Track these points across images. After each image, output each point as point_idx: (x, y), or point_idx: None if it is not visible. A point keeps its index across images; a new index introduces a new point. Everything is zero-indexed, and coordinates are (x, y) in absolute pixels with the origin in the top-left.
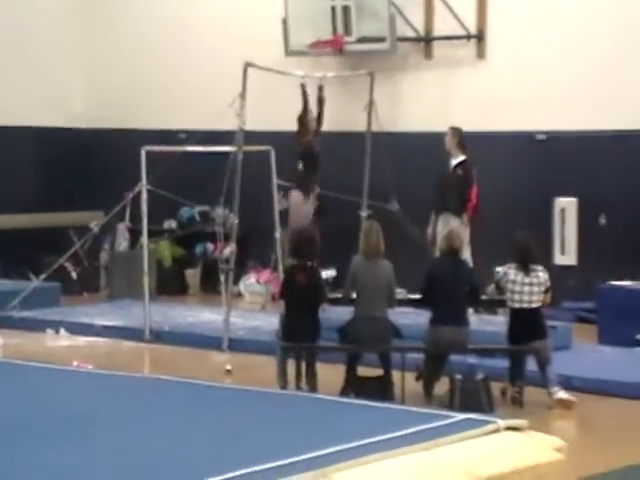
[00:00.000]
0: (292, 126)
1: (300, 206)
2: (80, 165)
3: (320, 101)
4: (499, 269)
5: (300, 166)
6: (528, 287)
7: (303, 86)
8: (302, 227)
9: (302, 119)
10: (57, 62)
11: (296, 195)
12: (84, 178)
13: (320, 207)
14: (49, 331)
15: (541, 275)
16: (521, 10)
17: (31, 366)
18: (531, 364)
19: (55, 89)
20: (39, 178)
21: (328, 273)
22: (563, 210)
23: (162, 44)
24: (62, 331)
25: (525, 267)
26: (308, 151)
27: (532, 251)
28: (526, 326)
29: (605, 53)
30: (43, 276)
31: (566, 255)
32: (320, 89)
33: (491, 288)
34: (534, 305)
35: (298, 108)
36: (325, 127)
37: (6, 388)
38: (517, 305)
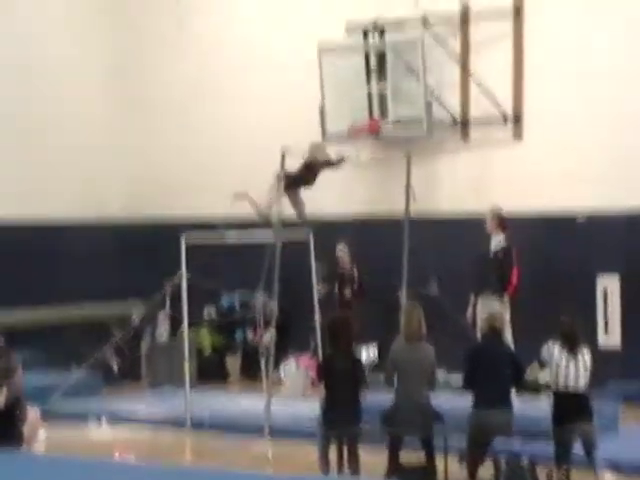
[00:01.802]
0: (330, 211)
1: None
2: (120, 255)
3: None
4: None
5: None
6: (574, 367)
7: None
8: (338, 314)
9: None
10: (94, 154)
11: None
12: (124, 268)
13: (360, 291)
14: (91, 422)
15: (587, 356)
16: (557, 91)
17: (74, 459)
18: (577, 446)
19: (93, 182)
20: (78, 270)
21: (370, 351)
22: (606, 289)
23: (200, 131)
24: (104, 421)
25: (571, 347)
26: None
27: (577, 333)
28: (572, 409)
29: None
30: (85, 368)
31: (610, 335)
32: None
33: (534, 365)
34: (580, 388)
35: (336, 193)
36: (363, 210)
37: None
38: (562, 387)
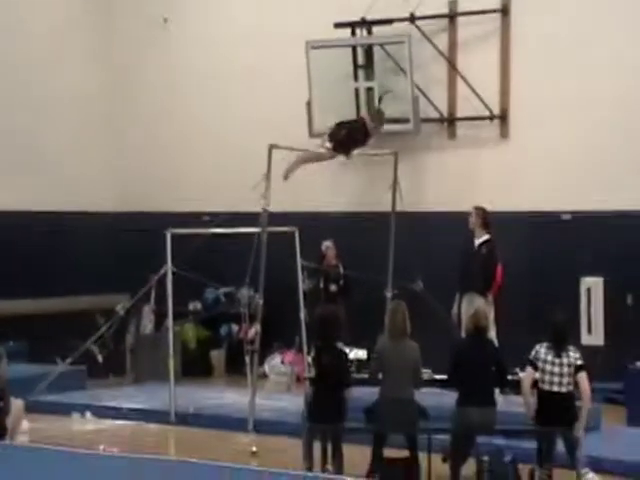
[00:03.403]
0: (316, 207)
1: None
2: (105, 249)
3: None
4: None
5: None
6: (558, 368)
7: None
8: (326, 308)
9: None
10: (81, 146)
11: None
12: (109, 261)
13: (345, 286)
14: (75, 415)
15: (571, 355)
16: (544, 90)
17: (57, 451)
18: (560, 445)
19: (79, 173)
20: (64, 262)
21: (358, 354)
22: (589, 290)
23: (186, 127)
24: (88, 414)
25: (557, 347)
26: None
27: (565, 332)
28: (555, 410)
29: (633, 129)
30: (69, 360)
31: (593, 335)
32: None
33: (527, 369)
34: (564, 389)
35: (322, 189)
36: (349, 207)
37: (33, 474)
38: (547, 387)
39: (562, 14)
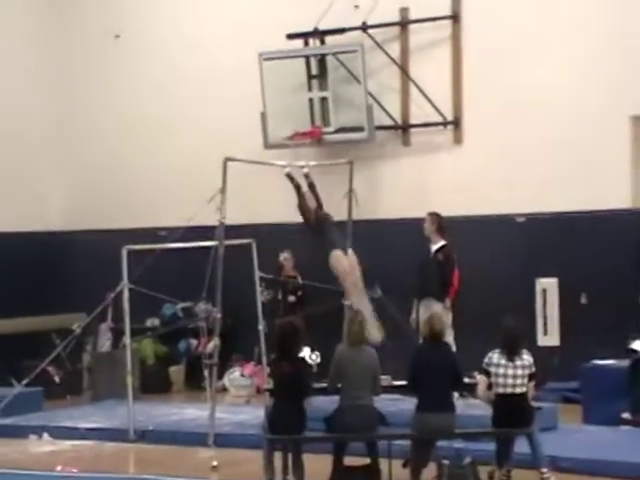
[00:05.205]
0: (273, 218)
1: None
2: (60, 268)
3: (311, 186)
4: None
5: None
6: (512, 370)
7: (289, 174)
8: (285, 319)
9: (301, 205)
10: (34, 163)
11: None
12: (65, 280)
13: (304, 297)
14: (32, 437)
15: (525, 358)
16: (496, 95)
17: (15, 474)
18: (518, 445)
19: (33, 192)
20: (19, 282)
21: (312, 357)
22: (545, 291)
23: (140, 143)
24: (45, 436)
25: (510, 352)
26: (323, 222)
27: (517, 337)
28: (510, 412)
29: (581, 135)
30: (25, 381)
31: (549, 335)
32: (307, 176)
33: (478, 376)
34: (518, 390)
35: (279, 200)
36: None
37: None
38: (501, 390)
39: (512, 19)
